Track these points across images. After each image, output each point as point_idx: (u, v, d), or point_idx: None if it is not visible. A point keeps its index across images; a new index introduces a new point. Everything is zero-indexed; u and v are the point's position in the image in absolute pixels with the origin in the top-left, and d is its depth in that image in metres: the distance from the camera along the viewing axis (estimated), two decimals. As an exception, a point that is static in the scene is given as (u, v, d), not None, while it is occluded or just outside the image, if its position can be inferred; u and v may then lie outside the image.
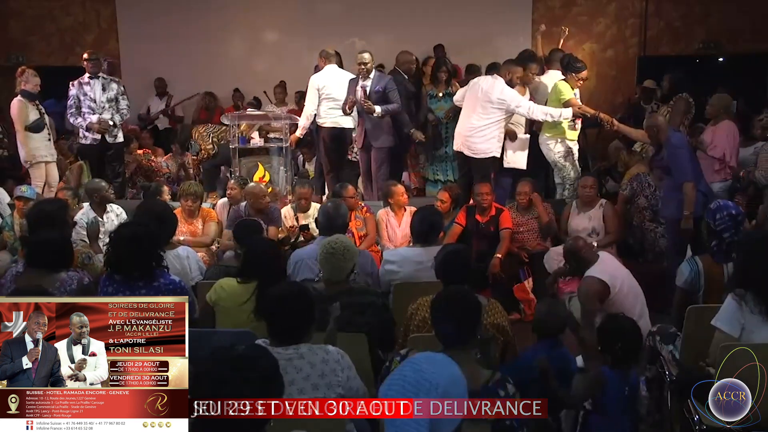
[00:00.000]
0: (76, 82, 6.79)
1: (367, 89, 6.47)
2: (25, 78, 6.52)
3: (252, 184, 5.89)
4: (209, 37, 9.43)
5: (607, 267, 3.93)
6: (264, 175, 6.73)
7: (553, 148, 6.37)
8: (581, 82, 6.36)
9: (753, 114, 6.78)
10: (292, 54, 9.17)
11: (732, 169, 5.92)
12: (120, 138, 7.01)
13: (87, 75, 6.77)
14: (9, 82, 7.10)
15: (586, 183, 5.71)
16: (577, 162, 6.49)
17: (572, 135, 6.39)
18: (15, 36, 9.92)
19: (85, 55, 6.88)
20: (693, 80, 6.95)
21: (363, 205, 5.86)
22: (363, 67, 6.51)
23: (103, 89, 6.78)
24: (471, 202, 5.79)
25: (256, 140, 6.96)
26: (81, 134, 6.87)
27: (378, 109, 6.38)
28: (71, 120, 6.84)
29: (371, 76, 6.52)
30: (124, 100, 6.93)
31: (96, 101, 6.73)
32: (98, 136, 6.78)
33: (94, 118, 6.72)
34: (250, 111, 6.91)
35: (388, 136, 6.59)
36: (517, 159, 6.38)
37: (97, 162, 6.95)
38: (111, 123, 6.80)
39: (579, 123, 6.38)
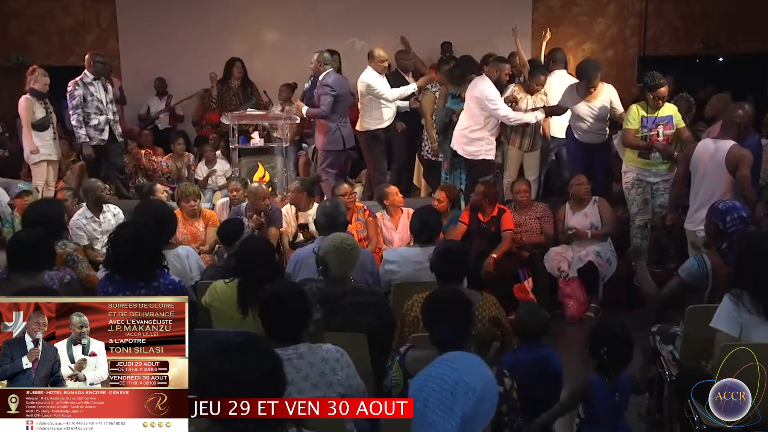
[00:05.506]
0: (80, 81, 6.68)
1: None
2: (35, 77, 6.53)
3: (254, 184, 5.88)
4: (209, 37, 9.40)
5: None
6: (264, 175, 6.73)
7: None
8: (660, 102, 5.44)
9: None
10: (293, 54, 9.16)
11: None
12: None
13: (92, 76, 6.72)
14: (9, 81, 7.11)
15: (581, 181, 5.73)
16: (646, 197, 5.66)
17: (640, 163, 5.64)
18: (15, 36, 9.90)
19: (99, 57, 6.81)
20: (682, 84, 6.91)
21: (366, 208, 5.82)
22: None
23: (105, 90, 6.78)
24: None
25: (256, 140, 6.95)
26: (90, 136, 6.74)
27: (304, 109, 6.49)
28: (75, 122, 6.65)
29: (321, 77, 6.50)
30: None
31: (103, 102, 6.73)
32: (105, 137, 6.77)
33: (102, 119, 6.71)
34: (250, 111, 6.89)
35: (323, 138, 6.51)
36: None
37: (98, 161, 6.94)
38: (120, 138, 6.97)
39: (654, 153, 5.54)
